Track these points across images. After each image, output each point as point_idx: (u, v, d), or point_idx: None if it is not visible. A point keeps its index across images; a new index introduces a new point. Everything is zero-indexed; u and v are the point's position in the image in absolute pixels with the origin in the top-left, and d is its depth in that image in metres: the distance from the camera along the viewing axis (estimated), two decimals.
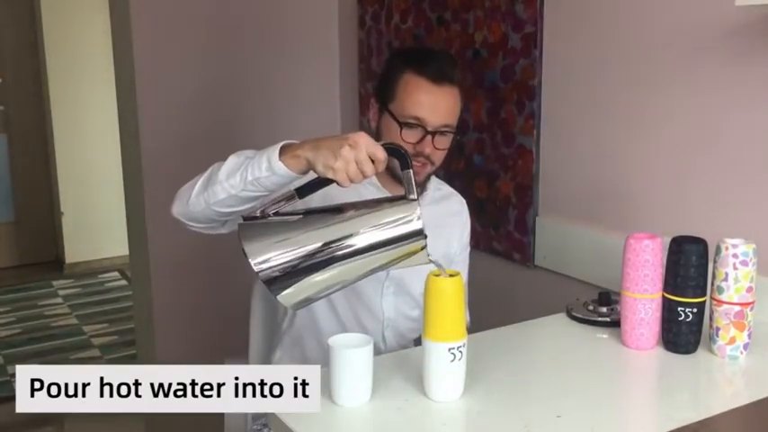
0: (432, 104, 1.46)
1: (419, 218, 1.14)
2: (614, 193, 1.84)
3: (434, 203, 1.64)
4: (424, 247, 1.15)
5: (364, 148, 1.14)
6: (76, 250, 4.83)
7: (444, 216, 1.66)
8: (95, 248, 4.85)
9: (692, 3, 1.62)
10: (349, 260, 1.15)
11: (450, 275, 1.16)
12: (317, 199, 1.25)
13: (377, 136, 1.54)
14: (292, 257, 1.15)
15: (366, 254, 1.15)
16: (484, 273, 2.28)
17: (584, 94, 1.91)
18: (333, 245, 1.15)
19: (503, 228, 2.20)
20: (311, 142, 1.19)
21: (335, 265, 1.15)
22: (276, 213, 1.20)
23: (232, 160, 1.29)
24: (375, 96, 1.56)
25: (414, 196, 1.15)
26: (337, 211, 1.20)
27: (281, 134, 3.02)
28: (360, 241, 1.15)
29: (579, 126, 1.93)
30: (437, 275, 1.16)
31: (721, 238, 1.33)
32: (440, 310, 1.15)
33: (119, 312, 4.08)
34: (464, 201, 1.73)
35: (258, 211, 1.20)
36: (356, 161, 1.14)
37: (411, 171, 1.16)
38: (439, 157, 1.52)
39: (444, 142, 1.50)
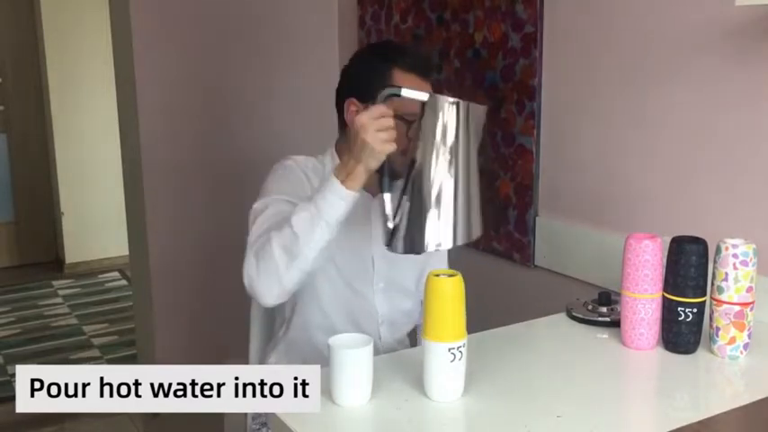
0: None
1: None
2: (614, 193, 1.84)
3: None
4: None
5: (371, 125, 1.25)
6: (76, 250, 4.83)
7: None
8: (95, 248, 4.85)
9: (692, 2, 1.62)
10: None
11: (450, 275, 1.16)
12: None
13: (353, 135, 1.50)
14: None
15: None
16: (484, 273, 2.28)
17: (585, 93, 1.91)
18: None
19: (503, 228, 2.20)
20: (349, 159, 1.29)
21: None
22: None
23: (298, 223, 1.30)
24: (354, 97, 1.51)
25: None
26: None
27: (280, 134, 3.03)
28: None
29: (579, 126, 1.93)
30: (437, 276, 1.16)
31: (721, 238, 1.33)
32: (440, 310, 1.15)
33: (119, 312, 4.08)
34: None
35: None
36: (380, 133, 1.26)
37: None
38: None
39: None
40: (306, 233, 1.29)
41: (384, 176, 1.35)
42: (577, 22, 1.91)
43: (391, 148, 1.26)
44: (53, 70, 4.59)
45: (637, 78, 1.76)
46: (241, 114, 2.84)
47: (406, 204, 1.30)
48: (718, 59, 1.58)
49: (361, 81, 1.51)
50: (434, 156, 1.28)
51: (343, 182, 1.28)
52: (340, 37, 2.91)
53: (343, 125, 1.57)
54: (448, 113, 1.27)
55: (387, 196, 1.32)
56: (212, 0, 2.75)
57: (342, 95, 1.55)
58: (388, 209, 1.31)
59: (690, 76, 1.65)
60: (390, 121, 1.27)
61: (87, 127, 4.69)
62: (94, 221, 4.79)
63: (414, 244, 1.30)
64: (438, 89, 2.41)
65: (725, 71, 1.58)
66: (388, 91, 1.32)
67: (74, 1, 4.56)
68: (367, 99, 1.49)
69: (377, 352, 1.58)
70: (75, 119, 4.68)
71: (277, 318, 1.67)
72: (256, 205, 1.47)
